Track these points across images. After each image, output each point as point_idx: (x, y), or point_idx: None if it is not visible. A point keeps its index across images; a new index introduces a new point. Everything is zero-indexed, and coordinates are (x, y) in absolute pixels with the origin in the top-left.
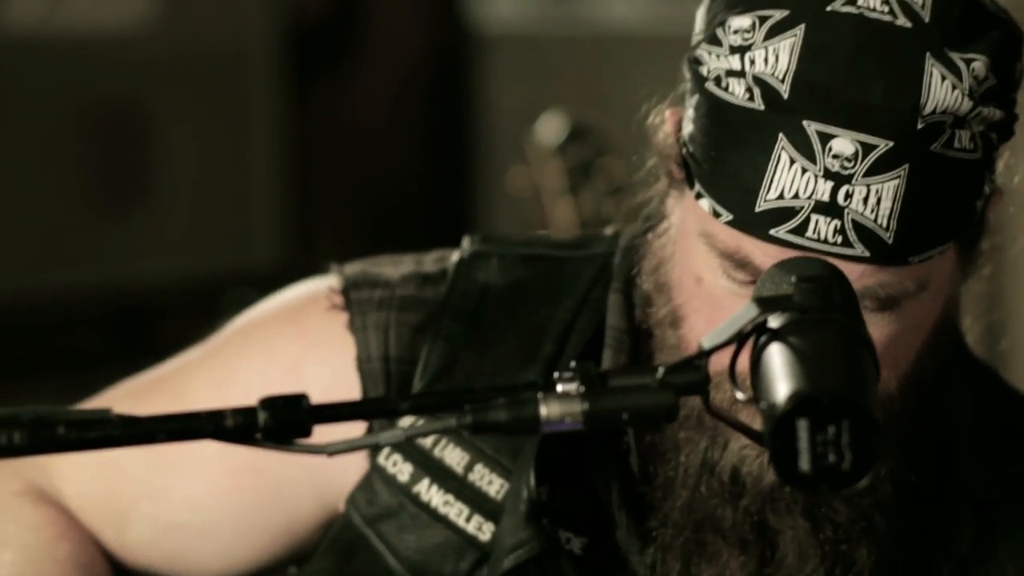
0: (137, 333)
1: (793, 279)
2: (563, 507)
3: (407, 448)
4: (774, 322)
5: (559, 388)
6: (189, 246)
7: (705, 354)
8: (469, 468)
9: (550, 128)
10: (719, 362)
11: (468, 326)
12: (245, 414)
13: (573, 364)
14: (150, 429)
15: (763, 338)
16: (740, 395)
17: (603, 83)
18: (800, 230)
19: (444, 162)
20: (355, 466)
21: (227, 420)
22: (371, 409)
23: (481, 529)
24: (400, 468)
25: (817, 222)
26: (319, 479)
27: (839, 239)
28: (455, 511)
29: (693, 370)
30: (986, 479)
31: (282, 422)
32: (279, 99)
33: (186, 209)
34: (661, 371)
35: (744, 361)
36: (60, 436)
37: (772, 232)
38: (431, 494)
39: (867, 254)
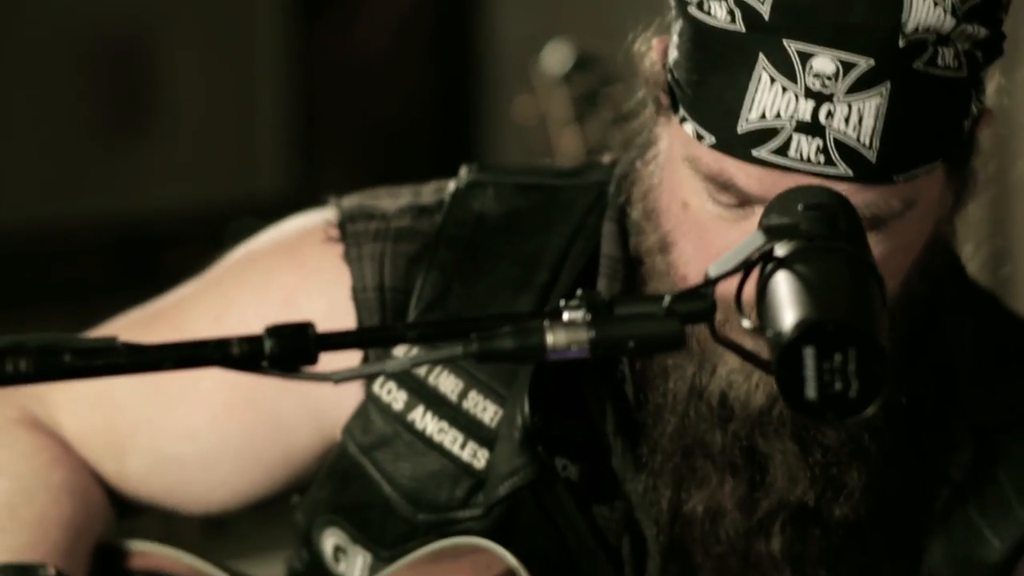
0: (141, 262)
1: (800, 207)
2: (558, 434)
3: (402, 376)
4: (780, 250)
5: (565, 316)
6: (194, 175)
7: (711, 282)
8: (463, 395)
9: (556, 57)
10: (719, 290)
11: (462, 255)
12: (251, 342)
13: (580, 292)
14: (156, 357)
15: (770, 266)
16: (746, 323)
17: (609, 12)
18: (782, 150)
19: (450, 91)
20: (351, 396)
21: (233, 348)
22: (377, 337)
23: (476, 456)
24: (395, 396)
25: (799, 142)
26: (316, 410)
27: (822, 158)
28: (449, 438)
29: (699, 298)
30: (985, 404)
31: (288, 350)
32: (284, 28)
33: (191, 138)
34: (667, 299)
35: (748, 289)
36: (66, 364)
37: (754, 153)
38: (425, 421)
39: (850, 173)
